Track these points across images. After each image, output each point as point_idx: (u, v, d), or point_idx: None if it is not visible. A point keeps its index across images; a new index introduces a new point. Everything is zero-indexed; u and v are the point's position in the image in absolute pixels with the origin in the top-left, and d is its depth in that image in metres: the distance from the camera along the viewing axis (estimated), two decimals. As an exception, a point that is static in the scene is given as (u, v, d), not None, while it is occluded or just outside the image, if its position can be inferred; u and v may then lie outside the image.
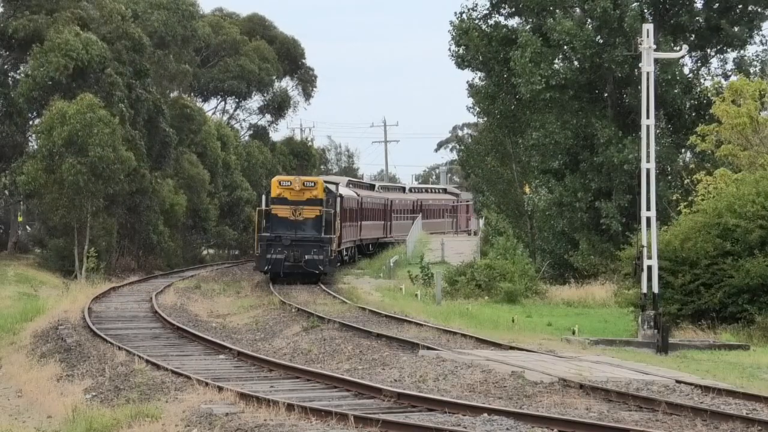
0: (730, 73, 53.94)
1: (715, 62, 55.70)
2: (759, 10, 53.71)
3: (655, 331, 31.21)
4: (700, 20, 54.07)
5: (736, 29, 53.16)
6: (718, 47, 54.94)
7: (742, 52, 54.76)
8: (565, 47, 52.50)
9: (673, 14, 54.19)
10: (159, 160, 71.35)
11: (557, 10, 52.77)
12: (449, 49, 56.05)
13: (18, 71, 68.44)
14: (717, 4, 54.16)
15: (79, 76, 63.09)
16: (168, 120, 71.89)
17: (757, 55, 54.66)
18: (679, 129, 54.18)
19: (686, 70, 55.15)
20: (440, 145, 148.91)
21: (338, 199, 54.52)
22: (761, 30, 54.37)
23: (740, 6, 53.69)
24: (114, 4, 68.14)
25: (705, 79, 55.06)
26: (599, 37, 52.67)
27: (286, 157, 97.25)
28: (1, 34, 65.86)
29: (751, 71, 52.23)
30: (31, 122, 67.58)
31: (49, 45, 62.37)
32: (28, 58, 64.09)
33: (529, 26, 54.63)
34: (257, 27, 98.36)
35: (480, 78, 59.21)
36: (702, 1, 54.76)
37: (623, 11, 51.10)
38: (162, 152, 71.51)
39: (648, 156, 32.47)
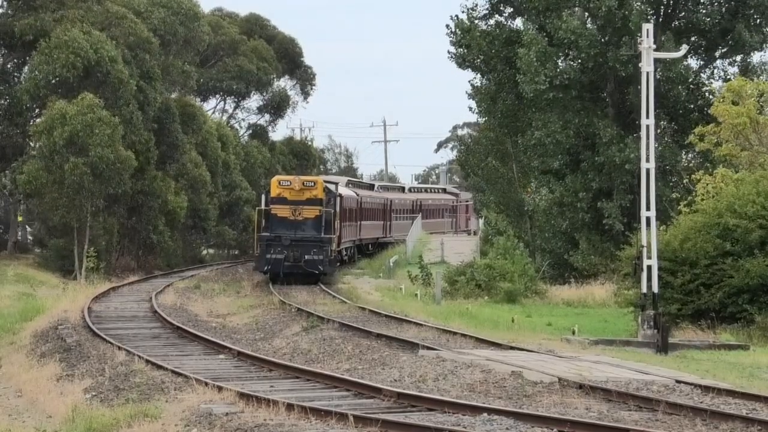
0: (732, 77, 53.86)
1: (719, 65, 55.74)
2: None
3: (655, 331, 31.21)
4: (707, 22, 53.91)
5: (748, 35, 52.90)
6: (725, 49, 54.81)
7: (747, 58, 54.73)
8: (570, 46, 52.42)
9: (677, 15, 54.12)
10: (164, 160, 71.27)
11: (563, 10, 52.67)
12: (448, 51, 56.23)
13: (22, 71, 68.19)
14: (726, 7, 53.96)
15: (85, 75, 63.00)
16: (178, 122, 71.84)
17: (763, 64, 54.68)
18: (683, 129, 54.12)
19: (691, 71, 55.10)
20: (440, 145, 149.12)
21: (338, 199, 54.44)
22: None
23: (751, 11, 53.49)
24: (120, 8, 67.97)
25: (706, 84, 55.06)
26: (603, 36, 52.62)
27: (286, 157, 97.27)
28: (4, 33, 65.71)
29: (755, 79, 52.16)
30: (31, 122, 67.42)
31: (56, 42, 62.18)
32: (34, 54, 63.75)
33: (533, 25, 54.58)
34: (256, 27, 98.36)
35: (480, 78, 59.29)
36: (709, 4, 54.58)
37: (628, 10, 51.01)
38: (168, 153, 71.44)
39: (648, 156, 32.46)
